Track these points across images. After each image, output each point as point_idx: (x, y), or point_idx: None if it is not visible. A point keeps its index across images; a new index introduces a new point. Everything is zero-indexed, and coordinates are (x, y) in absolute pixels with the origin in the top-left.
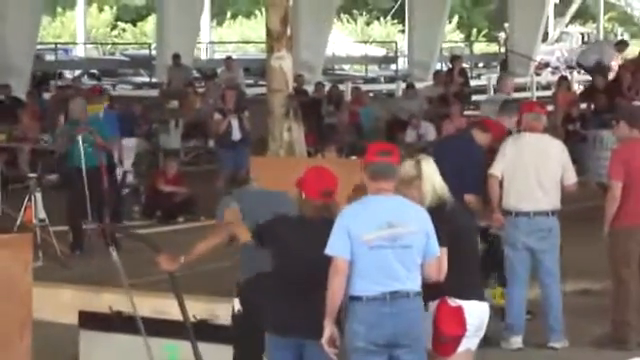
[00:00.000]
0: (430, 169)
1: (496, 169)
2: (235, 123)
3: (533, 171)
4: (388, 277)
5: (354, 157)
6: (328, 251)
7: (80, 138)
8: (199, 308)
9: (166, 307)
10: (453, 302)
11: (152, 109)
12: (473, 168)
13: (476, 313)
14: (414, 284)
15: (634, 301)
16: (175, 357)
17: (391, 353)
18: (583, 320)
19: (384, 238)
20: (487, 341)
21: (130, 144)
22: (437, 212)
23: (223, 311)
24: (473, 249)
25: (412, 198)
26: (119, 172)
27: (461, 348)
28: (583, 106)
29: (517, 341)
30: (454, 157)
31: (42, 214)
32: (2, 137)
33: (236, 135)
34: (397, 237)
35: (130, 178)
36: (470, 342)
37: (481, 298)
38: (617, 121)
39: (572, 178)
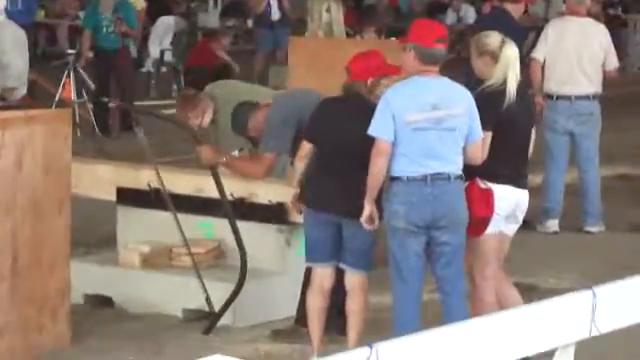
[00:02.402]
0: (510, 53)
1: (538, 53)
2: (274, 2)
3: (575, 55)
4: (430, 159)
5: (393, 38)
6: (371, 132)
7: (103, 22)
8: (236, 186)
9: (202, 184)
10: (483, 184)
11: None
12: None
13: (509, 198)
14: (456, 167)
15: None
16: (210, 234)
17: (430, 234)
18: (620, 205)
19: (428, 120)
20: (524, 225)
21: (168, 22)
22: (495, 95)
23: (261, 190)
24: (520, 137)
25: (478, 70)
26: (154, 51)
27: (491, 229)
28: None
29: (554, 224)
30: None
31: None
32: (41, 13)
33: (275, 15)
34: (441, 119)
35: (168, 57)
36: (502, 225)
37: (518, 185)
38: None
39: (614, 63)
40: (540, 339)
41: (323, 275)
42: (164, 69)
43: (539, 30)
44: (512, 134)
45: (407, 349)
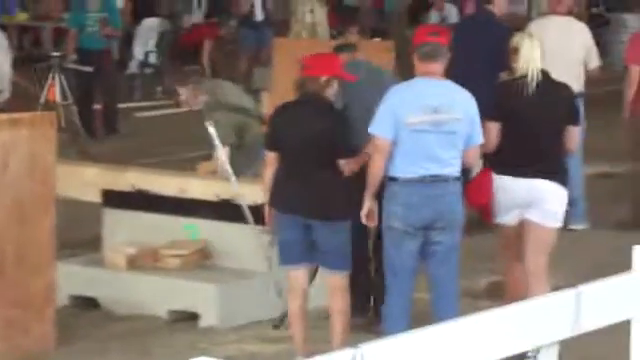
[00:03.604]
0: (528, 46)
1: None
2: (258, 3)
3: (556, 54)
4: (428, 161)
5: (377, 39)
6: (371, 130)
7: (88, 21)
8: (221, 188)
9: (186, 185)
10: (489, 174)
11: None
12: (499, 46)
13: (512, 189)
14: (453, 169)
15: None
16: (196, 235)
17: (426, 235)
18: (604, 202)
19: (428, 122)
20: None
21: (152, 24)
22: (501, 87)
23: (246, 192)
24: (534, 129)
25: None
26: (138, 53)
27: (505, 219)
28: None
29: None
30: (476, 38)
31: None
32: (24, 16)
33: (259, 15)
34: (442, 123)
35: (152, 59)
36: (514, 215)
37: (530, 175)
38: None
39: (595, 61)
40: (524, 338)
41: (296, 277)
42: (148, 71)
43: (522, 30)
44: (521, 125)
45: (393, 350)
